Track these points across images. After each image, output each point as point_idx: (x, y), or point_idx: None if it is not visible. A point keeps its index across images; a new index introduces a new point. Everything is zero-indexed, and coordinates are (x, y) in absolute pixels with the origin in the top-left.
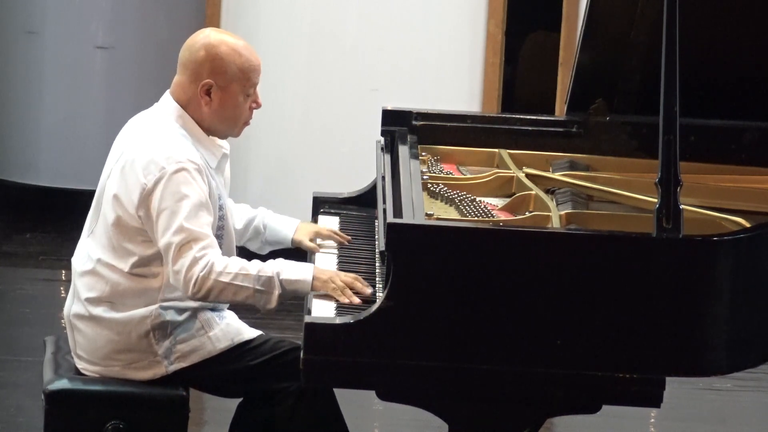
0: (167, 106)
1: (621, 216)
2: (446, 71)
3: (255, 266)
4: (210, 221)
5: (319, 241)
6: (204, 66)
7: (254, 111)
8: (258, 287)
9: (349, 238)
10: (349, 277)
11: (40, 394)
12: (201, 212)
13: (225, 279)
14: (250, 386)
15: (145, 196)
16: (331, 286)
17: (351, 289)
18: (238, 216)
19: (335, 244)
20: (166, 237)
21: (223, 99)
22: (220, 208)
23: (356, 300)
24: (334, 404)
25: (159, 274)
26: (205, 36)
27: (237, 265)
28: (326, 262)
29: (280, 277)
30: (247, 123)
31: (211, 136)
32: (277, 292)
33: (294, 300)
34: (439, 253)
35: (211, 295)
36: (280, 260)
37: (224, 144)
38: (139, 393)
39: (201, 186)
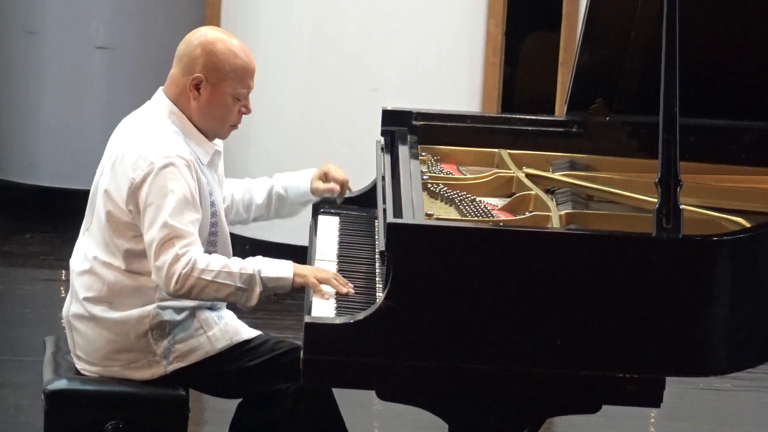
0: (159, 103)
1: (621, 216)
2: (446, 71)
3: (236, 264)
4: (196, 218)
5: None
6: (198, 60)
7: (249, 113)
8: (239, 285)
9: (346, 183)
10: (327, 273)
11: (40, 394)
12: (186, 209)
13: (207, 276)
14: (250, 386)
15: (134, 191)
16: (311, 281)
17: (330, 284)
18: (257, 192)
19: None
20: (150, 233)
21: (211, 96)
22: (212, 204)
23: (331, 294)
24: (334, 404)
25: None
26: (204, 33)
27: (219, 262)
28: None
29: (261, 275)
30: (234, 126)
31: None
32: (258, 289)
33: (294, 300)
34: (439, 253)
35: (193, 293)
36: (260, 258)
37: (217, 141)
38: (139, 393)
39: (188, 181)
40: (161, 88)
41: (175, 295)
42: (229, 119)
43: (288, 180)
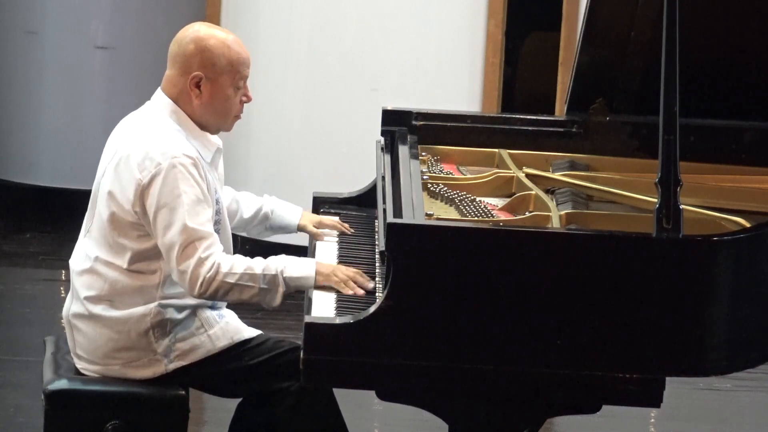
0: (160, 102)
1: (621, 216)
2: (446, 71)
3: (259, 265)
4: (210, 216)
5: (321, 230)
6: (193, 59)
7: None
8: (263, 286)
9: (349, 228)
10: (350, 271)
11: (40, 394)
12: (200, 208)
13: (231, 279)
14: (250, 386)
15: (141, 192)
16: (334, 279)
17: (353, 282)
18: (246, 205)
19: (336, 234)
20: (168, 236)
21: (212, 91)
22: (216, 202)
23: (360, 291)
24: (334, 404)
25: (157, 270)
26: (195, 30)
27: (242, 264)
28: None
29: (284, 275)
30: (238, 117)
31: (203, 131)
32: (281, 289)
33: (293, 300)
34: (439, 253)
35: (218, 295)
36: (283, 257)
37: (217, 139)
38: (139, 393)
39: (198, 180)
40: (160, 88)
41: (200, 298)
42: (233, 111)
43: (276, 206)
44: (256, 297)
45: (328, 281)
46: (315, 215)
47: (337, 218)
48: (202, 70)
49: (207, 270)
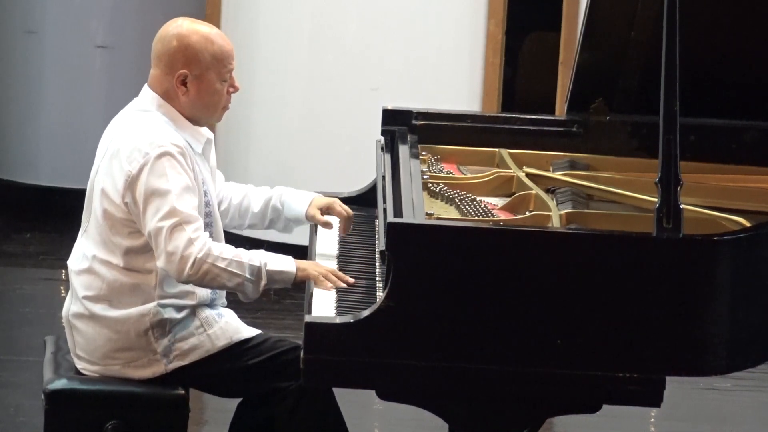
0: (147, 97)
1: (621, 216)
2: (446, 71)
3: (245, 255)
4: (196, 204)
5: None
6: (177, 57)
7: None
8: (248, 276)
9: (351, 220)
10: (325, 268)
11: (40, 394)
12: (188, 195)
13: (221, 264)
14: (250, 385)
15: (131, 182)
16: (312, 273)
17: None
18: (255, 199)
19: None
20: (155, 221)
21: (199, 88)
22: (205, 194)
23: (340, 285)
24: (334, 404)
25: (154, 269)
26: (177, 26)
27: (231, 251)
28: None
29: (267, 268)
30: (226, 108)
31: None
32: (263, 282)
33: (293, 300)
34: (439, 252)
35: (205, 279)
36: (262, 251)
37: (206, 130)
38: (139, 393)
39: (186, 169)
40: (146, 84)
41: (186, 282)
42: (221, 103)
43: (287, 196)
44: (240, 286)
45: (307, 275)
46: (325, 199)
47: (337, 221)
48: (187, 67)
49: (198, 250)
